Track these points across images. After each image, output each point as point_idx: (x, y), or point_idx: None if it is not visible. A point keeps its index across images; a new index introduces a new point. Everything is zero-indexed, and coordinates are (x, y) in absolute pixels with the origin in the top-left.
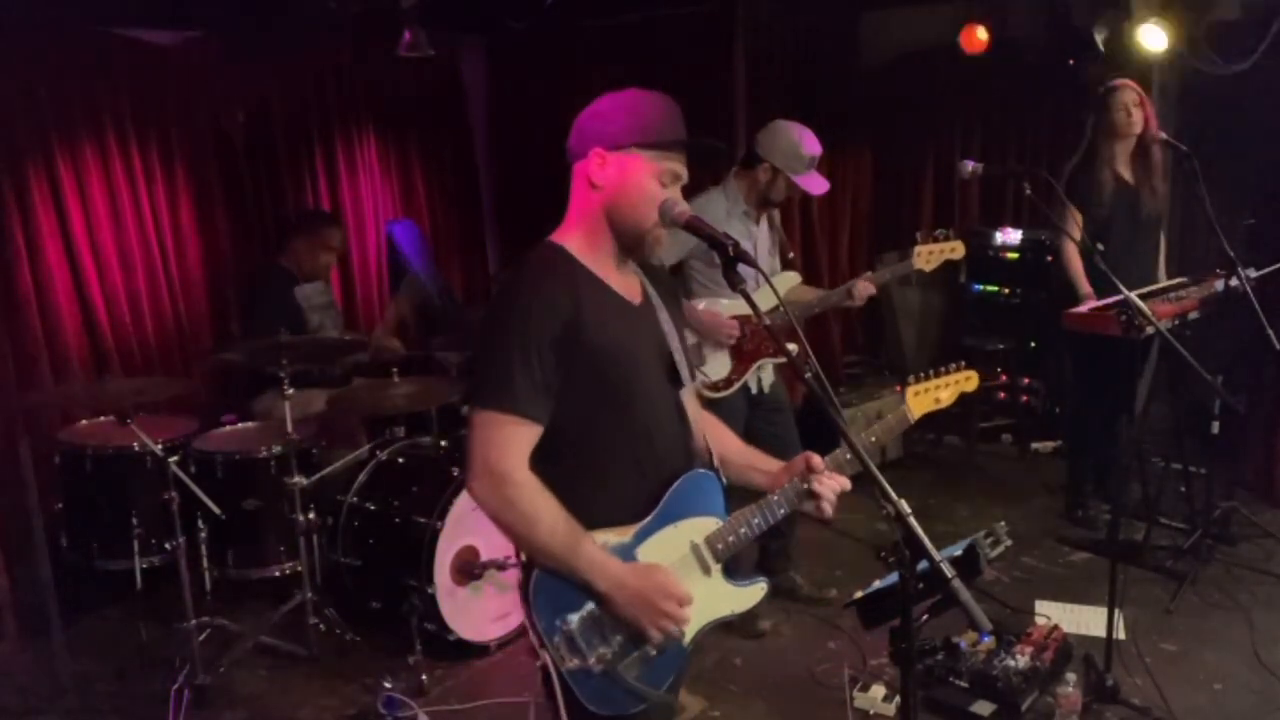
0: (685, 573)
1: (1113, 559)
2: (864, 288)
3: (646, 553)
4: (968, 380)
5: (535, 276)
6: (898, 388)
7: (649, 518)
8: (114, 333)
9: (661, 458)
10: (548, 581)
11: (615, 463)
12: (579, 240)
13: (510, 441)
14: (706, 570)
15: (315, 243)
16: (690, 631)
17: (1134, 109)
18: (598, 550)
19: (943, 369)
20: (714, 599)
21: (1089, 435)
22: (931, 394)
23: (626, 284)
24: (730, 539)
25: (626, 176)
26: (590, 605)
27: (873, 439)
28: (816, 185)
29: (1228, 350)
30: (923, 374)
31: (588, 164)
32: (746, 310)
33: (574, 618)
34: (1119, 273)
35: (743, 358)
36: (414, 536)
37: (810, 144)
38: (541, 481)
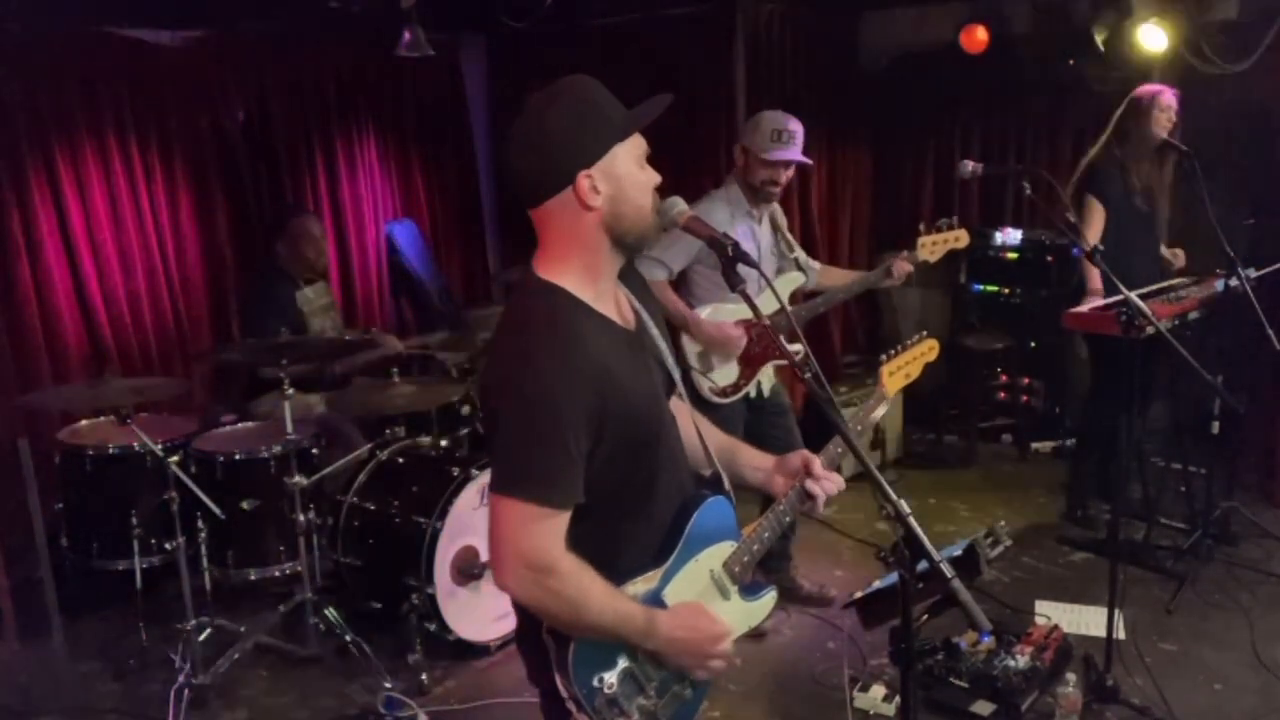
0: (709, 602)
1: (1113, 559)
2: (902, 266)
3: (673, 593)
4: (930, 350)
5: (550, 340)
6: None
7: (672, 557)
8: (114, 333)
9: (673, 489)
10: (585, 648)
11: (637, 511)
12: (576, 274)
13: (549, 533)
14: (726, 595)
15: (293, 237)
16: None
17: (1173, 116)
18: (643, 612)
19: (909, 342)
20: (735, 620)
21: (1101, 435)
22: (903, 370)
23: (620, 308)
24: (746, 559)
25: (620, 179)
26: (623, 661)
27: (858, 428)
28: (786, 154)
29: (1228, 350)
30: (893, 350)
31: (577, 191)
32: (748, 314)
33: (611, 677)
34: (1135, 270)
35: (751, 361)
36: (414, 536)
37: (774, 118)
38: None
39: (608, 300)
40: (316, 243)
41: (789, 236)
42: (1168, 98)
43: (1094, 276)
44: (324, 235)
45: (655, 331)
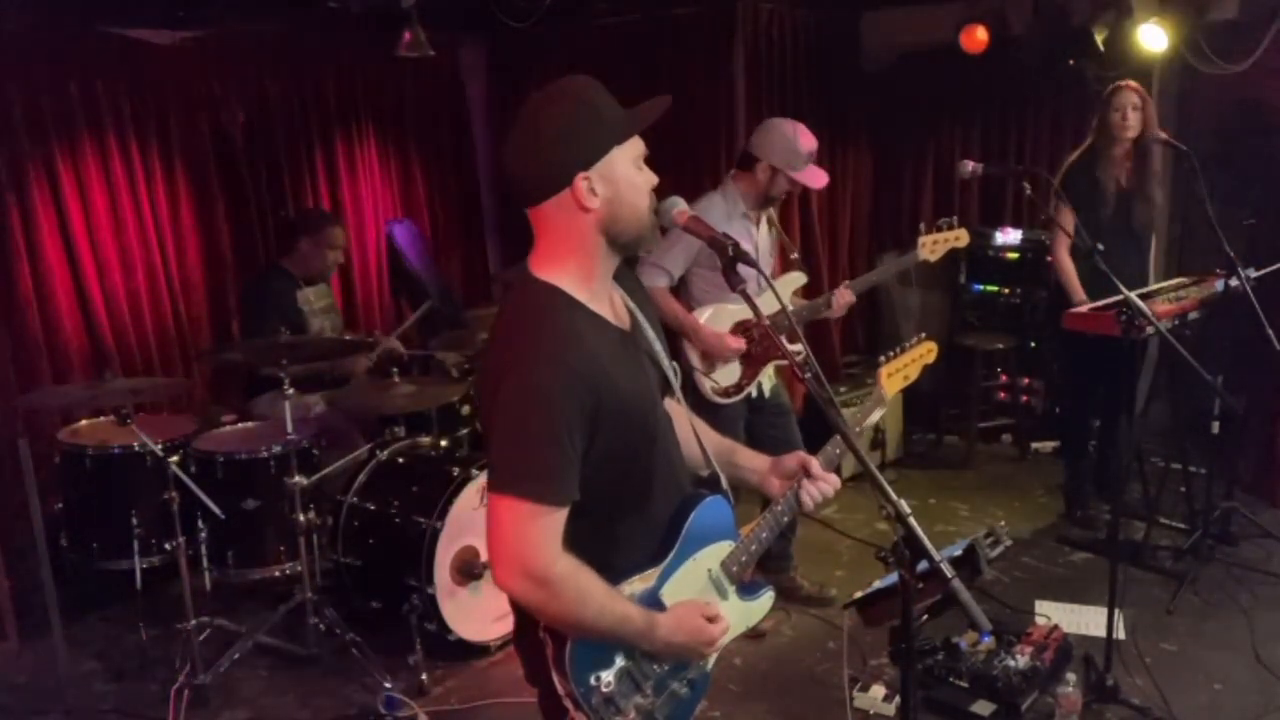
0: (707, 601)
1: (1113, 559)
2: (843, 296)
3: (670, 592)
4: (929, 353)
5: (546, 338)
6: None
7: (669, 557)
8: (114, 333)
9: (670, 490)
10: (582, 647)
11: (634, 510)
12: (572, 274)
13: (547, 532)
14: (724, 594)
15: (320, 241)
16: (712, 658)
17: (1131, 111)
18: (641, 613)
19: (908, 344)
20: (733, 619)
21: (1084, 435)
22: (901, 372)
23: (616, 308)
24: (744, 559)
25: (617, 181)
26: (621, 660)
27: (857, 429)
28: (816, 179)
29: (1228, 350)
30: (891, 352)
31: (574, 193)
32: (749, 315)
33: (608, 675)
34: (1098, 272)
35: (752, 362)
36: (414, 536)
37: (806, 139)
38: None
39: (603, 300)
40: (339, 252)
41: (785, 237)
42: (1123, 95)
43: (1076, 287)
44: (346, 242)
45: (650, 332)
